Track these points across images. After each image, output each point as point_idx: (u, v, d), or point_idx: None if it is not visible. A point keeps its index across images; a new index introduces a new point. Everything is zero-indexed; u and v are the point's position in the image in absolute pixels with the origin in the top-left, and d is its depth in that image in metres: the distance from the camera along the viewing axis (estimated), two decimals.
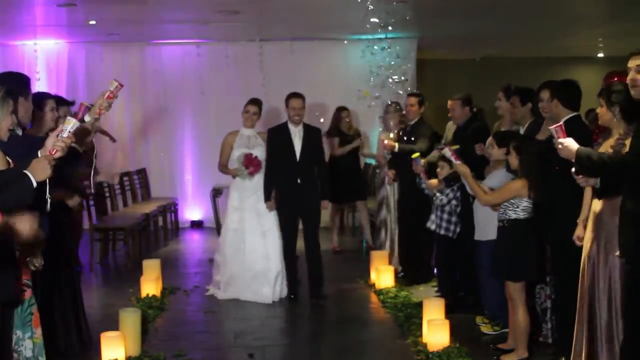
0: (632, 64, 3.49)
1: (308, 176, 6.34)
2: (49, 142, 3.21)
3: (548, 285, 4.88)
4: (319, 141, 6.57)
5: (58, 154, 3.18)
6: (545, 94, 4.84)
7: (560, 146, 3.68)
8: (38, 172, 3.04)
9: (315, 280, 6.42)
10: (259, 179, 6.39)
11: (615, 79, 4.74)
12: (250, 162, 6.34)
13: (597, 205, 3.90)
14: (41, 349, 3.68)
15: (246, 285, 6.33)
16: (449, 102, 6.24)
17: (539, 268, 4.65)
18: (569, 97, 4.57)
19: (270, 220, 6.38)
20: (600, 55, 12.79)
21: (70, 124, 3.27)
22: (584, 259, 4.01)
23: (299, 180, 6.28)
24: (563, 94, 4.58)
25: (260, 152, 6.41)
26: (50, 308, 4.56)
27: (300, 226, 6.48)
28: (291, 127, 6.37)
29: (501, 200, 4.70)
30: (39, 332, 3.66)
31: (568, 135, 3.73)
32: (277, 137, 6.37)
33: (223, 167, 6.56)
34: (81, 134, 3.94)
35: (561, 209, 4.42)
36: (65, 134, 3.24)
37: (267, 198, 6.33)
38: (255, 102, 6.50)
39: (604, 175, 3.72)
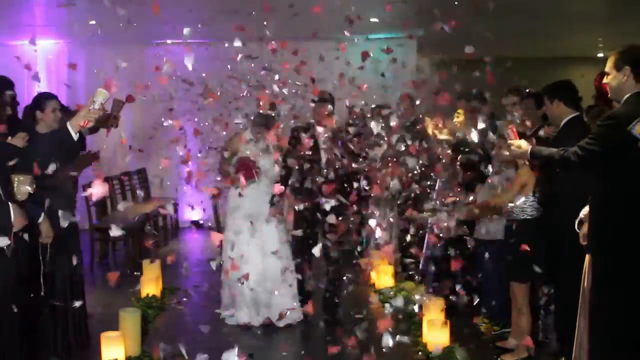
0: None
1: (336, 183, 5.44)
2: (81, 114, 3.29)
3: (545, 284, 4.89)
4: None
5: (90, 124, 3.30)
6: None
7: (512, 147, 3.92)
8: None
9: (330, 301, 5.80)
10: (259, 192, 5.70)
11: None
12: (242, 166, 5.48)
13: None
14: None
15: (245, 305, 5.73)
16: None
17: (545, 269, 4.64)
18: (571, 97, 4.58)
19: (273, 240, 5.71)
20: (600, 55, 12.79)
21: (102, 96, 3.28)
22: (588, 258, 3.99)
23: (324, 187, 5.38)
24: (565, 94, 4.58)
25: (268, 160, 5.71)
26: (51, 310, 4.58)
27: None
28: (318, 128, 5.68)
29: (513, 194, 4.72)
30: None
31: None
32: (301, 139, 5.46)
33: (224, 171, 5.76)
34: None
35: (565, 208, 4.41)
36: (96, 106, 3.28)
37: (272, 203, 5.66)
38: (269, 121, 5.63)
39: (554, 167, 3.91)
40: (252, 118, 5.64)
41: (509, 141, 3.93)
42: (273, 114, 5.59)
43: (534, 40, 10.87)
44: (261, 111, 5.56)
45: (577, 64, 12.49)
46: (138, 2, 5.05)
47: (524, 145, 3.86)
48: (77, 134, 3.30)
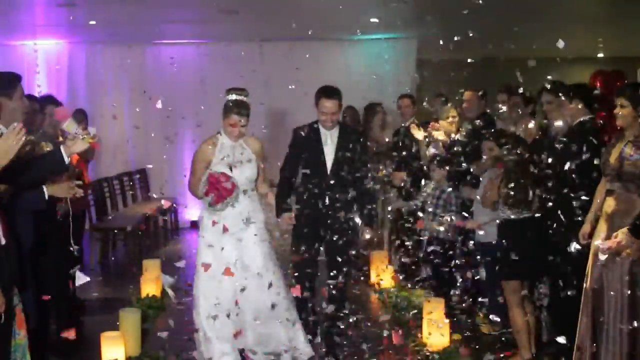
0: None
1: (342, 193, 4.77)
2: (70, 143, 3.49)
3: (543, 283, 4.88)
4: (360, 146, 4.90)
5: (93, 141, 3.59)
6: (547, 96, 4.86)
7: (626, 251, 3.72)
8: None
9: (329, 340, 4.91)
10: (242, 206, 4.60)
11: (598, 80, 4.92)
12: (213, 186, 4.46)
13: (610, 205, 3.88)
14: (25, 350, 3.60)
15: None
16: (467, 93, 6.22)
17: (536, 268, 4.63)
18: (590, 99, 4.60)
19: (260, 258, 4.62)
20: (600, 55, 12.77)
21: (73, 125, 3.66)
22: (591, 258, 3.99)
23: (327, 199, 4.72)
24: (586, 95, 4.60)
25: (249, 170, 4.62)
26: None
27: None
28: (322, 128, 4.87)
29: (493, 197, 4.74)
30: (22, 333, 3.59)
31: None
32: (303, 141, 4.85)
33: (194, 188, 4.63)
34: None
35: (565, 207, 4.40)
36: (80, 131, 3.64)
37: (279, 214, 4.78)
38: (242, 107, 4.59)
39: None
40: (225, 108, 4.60)
41: (617, 248, 3.75)
42: (245, 98, 4.65)
43: (533, 40, 10.85)
44: (235, 97, 4.61)
45: (577, 64, 12.47)
46: (138, 2, 5.05)
47: (623, 235, 3.72)
48: (69, 158, 3.49)
